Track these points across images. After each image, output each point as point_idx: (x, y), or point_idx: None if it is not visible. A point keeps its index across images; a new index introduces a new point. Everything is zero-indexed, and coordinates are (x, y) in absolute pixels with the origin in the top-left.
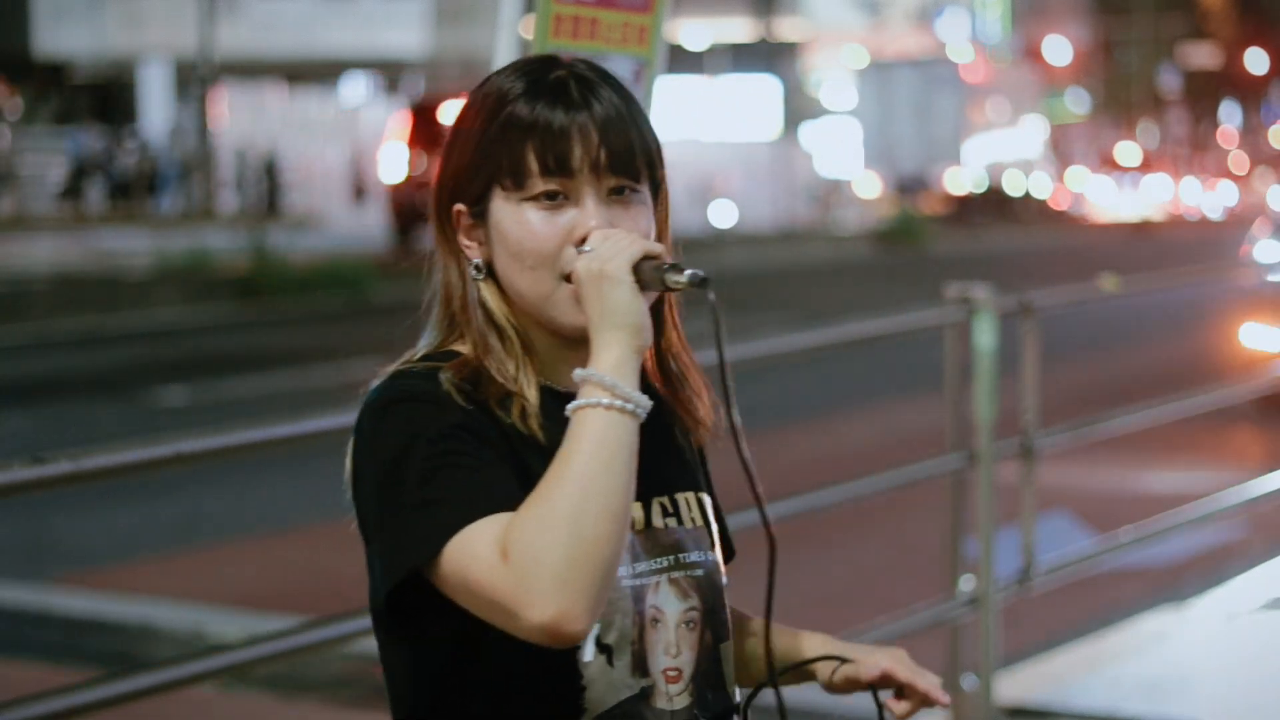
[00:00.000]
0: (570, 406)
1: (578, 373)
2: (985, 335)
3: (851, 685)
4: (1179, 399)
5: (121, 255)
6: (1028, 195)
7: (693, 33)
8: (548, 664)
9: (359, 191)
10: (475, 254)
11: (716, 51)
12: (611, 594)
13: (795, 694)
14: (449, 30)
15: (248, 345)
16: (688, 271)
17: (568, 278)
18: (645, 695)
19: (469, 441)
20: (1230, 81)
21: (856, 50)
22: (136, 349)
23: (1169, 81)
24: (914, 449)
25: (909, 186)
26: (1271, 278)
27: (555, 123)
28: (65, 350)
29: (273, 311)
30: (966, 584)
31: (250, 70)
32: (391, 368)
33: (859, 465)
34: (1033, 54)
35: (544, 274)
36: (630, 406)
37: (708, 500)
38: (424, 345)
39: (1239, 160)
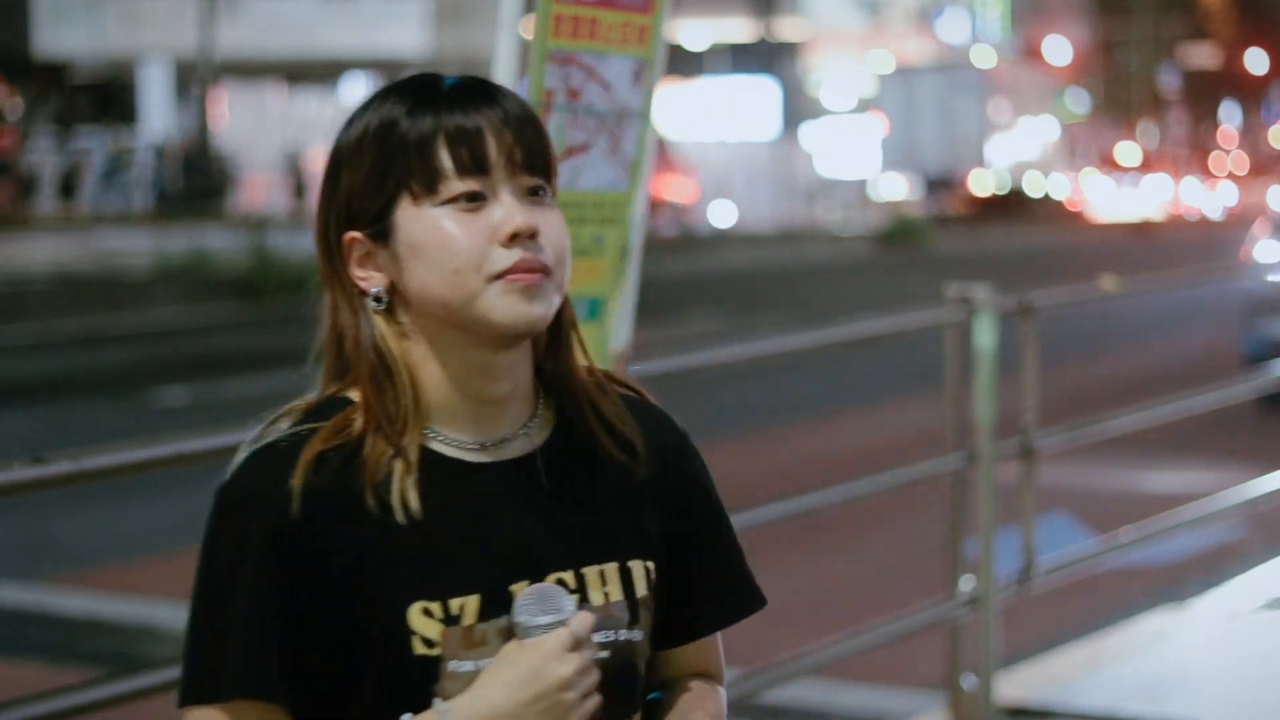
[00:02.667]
0: None
1: (438, 704)
2: (985, 335)
3: None
4: (1179, 399)
5: (121, 255)
6: (1046, 196)
7: (693, 33)
8: None
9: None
10: (373, 284)
11: (716, 51)
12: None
13: (795, 694)
14: (449, 30)
15: (248, 345)
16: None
17: (498, 275)
18: None
19: (273, 576)
20: (1230, 81)
21: (881, 54)
22: (136, 349)
23: (1169, 81)
24: (914, 449)
25: (934, 188)
26: (1271, 278)
27: (467, 121)
28: (65, 350)
29: (273, 311)
30: (966, 584)
31: (250, 70)
32: (272, 425)
33: (859, 465)
34: (1033, 54)
35: (469, 276)
36: None
37: (643, 567)
38: (314, 394)
39: (1239, 160)
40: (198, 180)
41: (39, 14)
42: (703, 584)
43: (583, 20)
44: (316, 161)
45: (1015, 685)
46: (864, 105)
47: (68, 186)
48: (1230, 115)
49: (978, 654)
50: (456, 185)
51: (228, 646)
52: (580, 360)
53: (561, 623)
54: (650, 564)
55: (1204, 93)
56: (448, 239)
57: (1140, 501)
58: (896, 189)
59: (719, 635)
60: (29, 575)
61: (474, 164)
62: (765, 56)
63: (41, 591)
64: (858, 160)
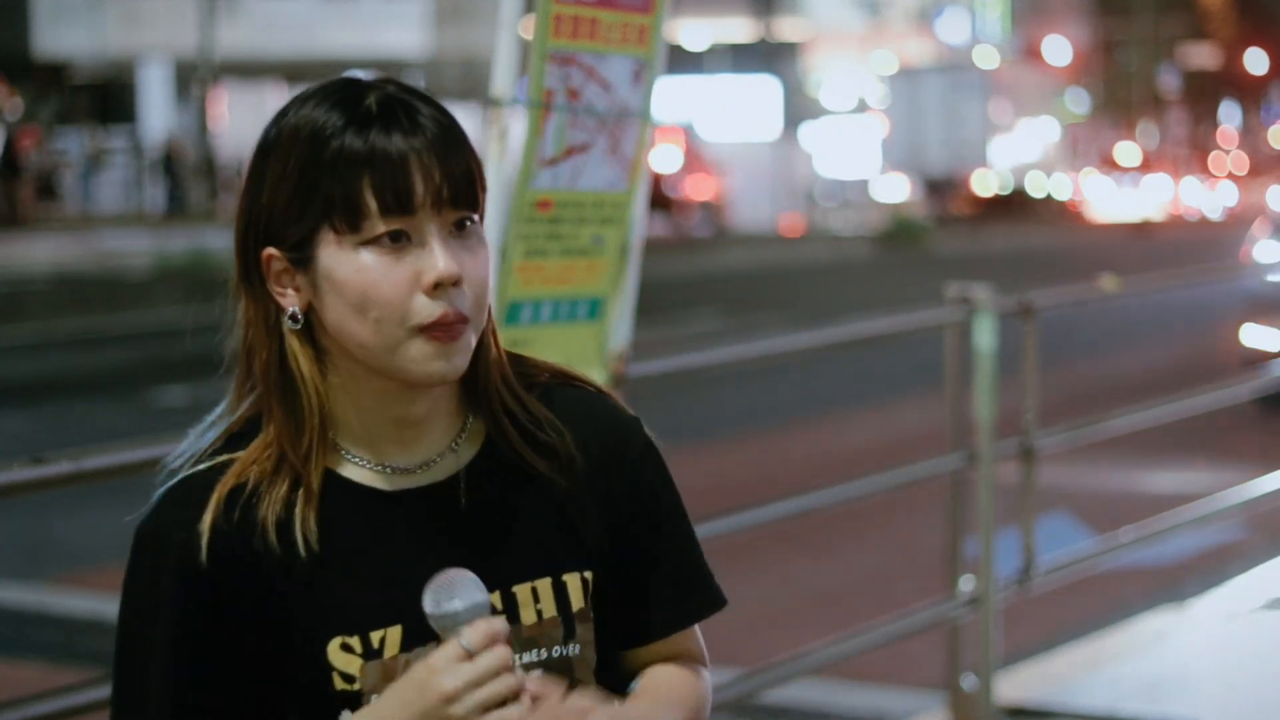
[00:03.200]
0: None
1: (345, 717)
2: (985, 335)
3: None
4: (1179, 399)
5: (121, 255)
6: (1049, 196)
7: (693, 33)
8: None
9: None
10: (290, 302)
11: (716, 51)
12: None
13: (795, 694)
14: (449, 30)
15: None
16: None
17: (420, 329)
18: None
19: (190, 625)
20: (1230, 81)
21: (885, 55)
22: (136, 349)
23: (1169, 81)
24: (914, 449)
25: (936, 188)
26: (1272, 278)
27: (392, 152)
28: (65, 350)
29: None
30: (966, 584)
31: (250, 70)
32: (181, 456)
33: (859, 465)
34: (1033, 54)
35: (390, 326)
36: None
37: (579, 579)
38: (223, 411)
39: (1239, 160)
40: (181, 180)
41: (39, 14)
42: (655, 586)
43: (583, 20)
44: None
45: (1015, 685)
46: (865, 106)
47: (48, 188)
48: (1230, 115)
49: (978, 654)
50: (379, 225)
51: (149, 689)
52: (494, 366)
53: (474, 607)
54: (588, 574)
55: (1204, 93)
56: (369, 285)
57: (1140, 501)
58: (898, 189)
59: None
60: (29, 575)
61: (398, 204)
62: (765, 56)
63: (41, 591)
64: (858, 160)
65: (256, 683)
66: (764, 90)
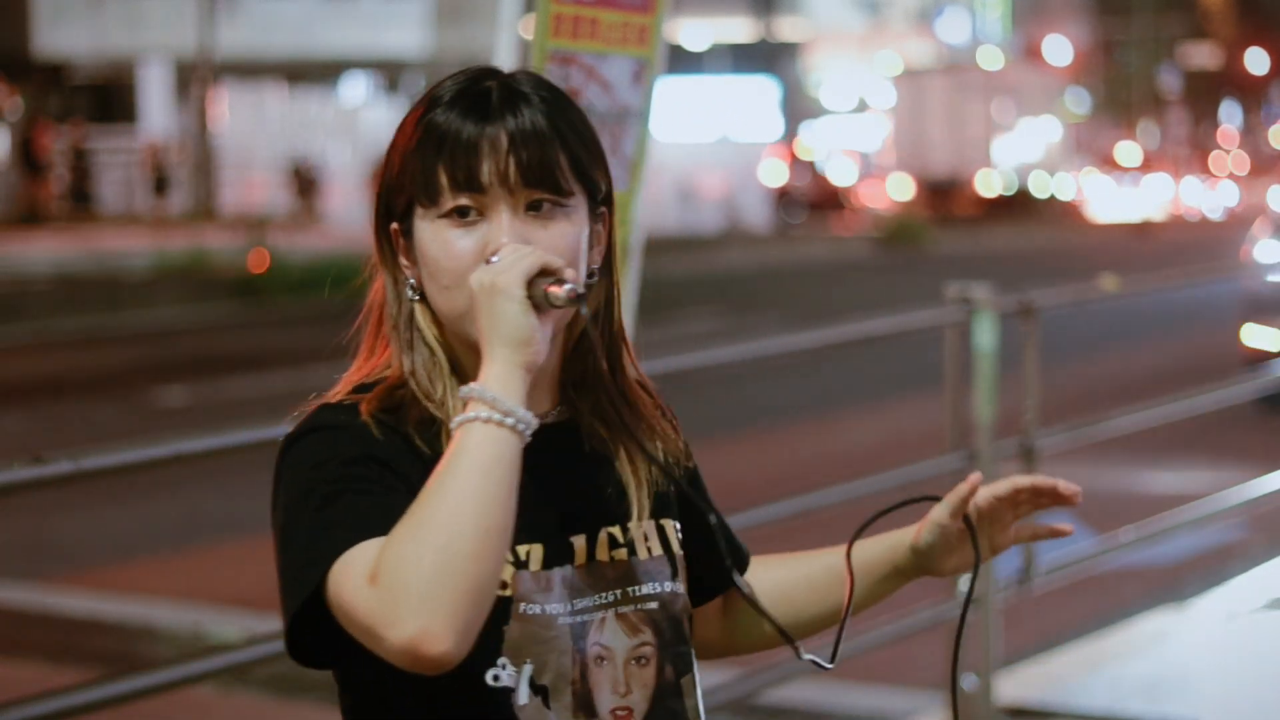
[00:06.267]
0: (454, 422)
1: (462, 389)
2: (985, 335)
3: (962, 515)
4: (1179, 399)
5: (122, 255)
6: (1052, 197)
7: (693, 33)
8: (480, 706)
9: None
10: (411, 274)
11: (716, 51)
12: (546, 633)
13: (796, 694)
14: (449, 30)
15: (248, 345)
16: (566, 286)
17: None
18: None
19: (375, 470)
20: (1230, 81)
21: (889, 56)
22: (136, 349)
23: (1169, 81)
24: (914, 449)
25: (939, 188)
26: (1272, 278)
27: (464, 135)
28: (65, 350)
29: (273, 311)
30: (966, 584)
31: (250, 70)
32: (317, 401)
33: (859, 465)
34: (1033, 54)
35: (458, 293)
36: (510, 421)
37: (673, 526)
38: (354, 371)
39: (1239, 160)
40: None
41: (39, 14)
42: (715, 548)
43: (583, 20)
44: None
45: (1015, 685)
46: (866, 106)
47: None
48: (1230, 115)
49: (978, 654)
50: (450, 200)
51: (382, 498)
52: (627, 369)
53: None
54: (679, 525)
55: (1204, 93)
56: (440, 253)
57: (1140, 501)
58: (901, 190)
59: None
60: (29, 575)
61: (467, 181)
62: (765, 56)
63: (41, 591)
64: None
65: None
66: (764, 90)
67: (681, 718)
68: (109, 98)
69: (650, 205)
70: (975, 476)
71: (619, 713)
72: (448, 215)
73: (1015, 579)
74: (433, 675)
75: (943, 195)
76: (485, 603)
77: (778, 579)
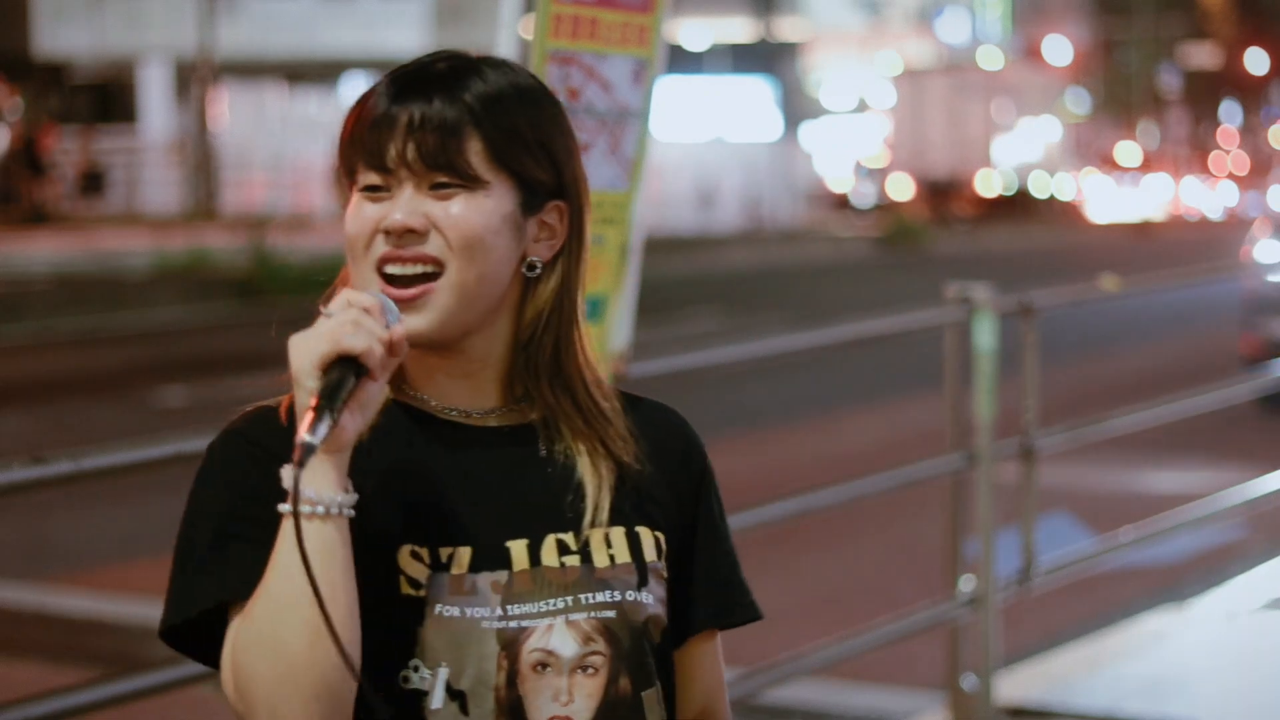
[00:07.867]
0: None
1: (283, 471)
2: (985, 335)
3: None
4: (1179, 399)
5: (122, 255)
6: (1052, 197)
7: (693, 33)
8: (394, 707)
9: None
10: None
11: (716, 51)
12: (465, 637)
13: (795, 694)
14: (449, 30)
15: (248, 345)
16: (317, 431)
17: (377, 270)
18: None
19: (265, 510)
20: (1230, 81)
21: (889, 56)
22: (136, 349)
23: (1169, 81)
24: (914, 449)
25: (939, 189)
26: (1271, 278)
27: (378, 114)
28: (65, 350)
29: (273, 311)
30: (966, 584)
31: (250, 70)
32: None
33: (859, 465)
34: (1033, 54)
35: (359, 265)
36: (321, 510)
37: (652, 535)
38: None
39: (1239, 160)
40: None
41: (39, 14)
42: (700, 583)
43: (583, 20)
44: (317, 161)
45: (1015, 685)
46: (866, 106)
47: (93, 185)
48: (1230, 115)
49: (978, 654)
50: (362, 177)
51: (201, 533)
52: (582, 368)
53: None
54: (660, 535)
55: (1204, 93)
56: (349, 224)
57: (1140, 501)
58: (901, 190)
59: (723, 678)
60: (29, 575)
61: (375, 160)
62: (765, 56)
63: (41, 591)
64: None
65: None
66: (764, 90)
67: None
68: (109, 98)
69: (668, 206)
70: None
71: None
72: (363, 190)
73: (1015, 579)
74: None
75: (942, 195)
76: (334, 697)
77: None
